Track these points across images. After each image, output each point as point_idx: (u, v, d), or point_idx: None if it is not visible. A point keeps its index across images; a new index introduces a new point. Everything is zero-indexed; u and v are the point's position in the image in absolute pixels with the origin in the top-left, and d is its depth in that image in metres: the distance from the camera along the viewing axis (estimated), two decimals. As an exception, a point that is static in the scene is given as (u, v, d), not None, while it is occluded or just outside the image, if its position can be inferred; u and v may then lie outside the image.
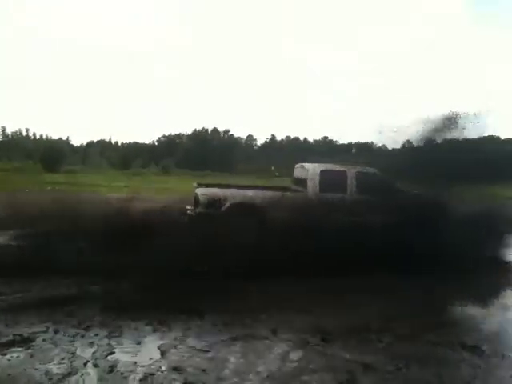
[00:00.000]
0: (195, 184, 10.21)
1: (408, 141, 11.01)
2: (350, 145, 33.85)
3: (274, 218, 8.24)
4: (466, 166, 8.73)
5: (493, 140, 11.40)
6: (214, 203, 9.13)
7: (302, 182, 10.29)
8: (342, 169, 10.02)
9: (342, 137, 72.90)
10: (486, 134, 10.33)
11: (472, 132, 9.71)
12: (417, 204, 8.67)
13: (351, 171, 9.82)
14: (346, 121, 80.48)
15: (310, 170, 10.14)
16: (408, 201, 8.93)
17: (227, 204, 9.13)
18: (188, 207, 9.58)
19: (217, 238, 7.21)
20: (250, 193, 9.70)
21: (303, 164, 10.74)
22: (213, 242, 7.10)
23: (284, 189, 10.51)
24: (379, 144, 13.76)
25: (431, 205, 8.59)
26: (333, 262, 6.90)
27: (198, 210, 9.26)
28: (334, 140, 56.32)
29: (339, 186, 9.49)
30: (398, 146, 11.39)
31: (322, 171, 9.91)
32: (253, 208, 8.96)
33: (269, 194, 9.63)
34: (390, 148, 12.25)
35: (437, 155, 9.61)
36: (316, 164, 10.31)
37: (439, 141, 10.03)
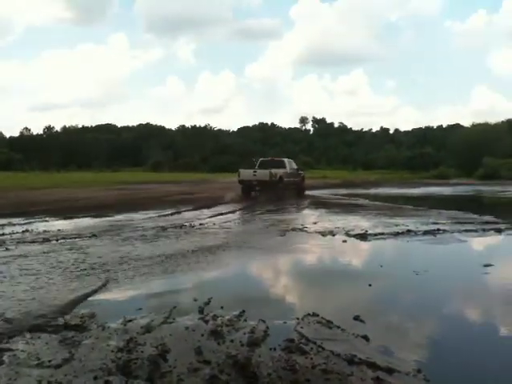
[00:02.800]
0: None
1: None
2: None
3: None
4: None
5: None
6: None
7: (279, 166, 22.66)
8: (290, 159, 24.70)
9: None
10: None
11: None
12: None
13: (287, 159, 23.94)
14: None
15: (286, 160, 23.64)
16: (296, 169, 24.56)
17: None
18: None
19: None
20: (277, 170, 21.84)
21: (282, 158, 24.64)
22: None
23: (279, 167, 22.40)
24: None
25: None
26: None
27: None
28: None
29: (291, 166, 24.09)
30: None
31: (288, 160, 23.93)
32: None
33: (281, 170, 22.16)
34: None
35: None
36: (286, 158, 24.46)
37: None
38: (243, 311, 4.66)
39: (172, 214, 14.32)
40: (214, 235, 9.95)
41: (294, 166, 24.43)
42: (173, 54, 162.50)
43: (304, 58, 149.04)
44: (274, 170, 21.16)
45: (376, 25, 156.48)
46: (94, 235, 9.59)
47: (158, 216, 13.71)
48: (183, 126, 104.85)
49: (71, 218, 13.27)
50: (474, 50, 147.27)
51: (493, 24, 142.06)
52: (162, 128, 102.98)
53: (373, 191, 29.95)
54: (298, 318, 4.51)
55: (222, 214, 14.67)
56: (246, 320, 4.44)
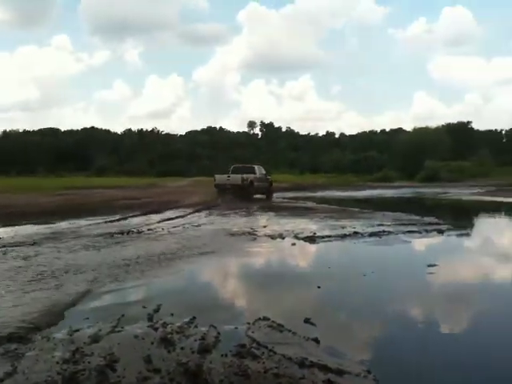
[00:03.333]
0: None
1: None
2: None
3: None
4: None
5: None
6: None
7: (250, 171, 25.09)
8: (257, 166, 26.60)
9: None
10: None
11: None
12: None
13: (257, 166, 26.09)
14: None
15: (256, 167, 25.90)
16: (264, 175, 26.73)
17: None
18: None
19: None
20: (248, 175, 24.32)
21: (252, 165, 27.06)
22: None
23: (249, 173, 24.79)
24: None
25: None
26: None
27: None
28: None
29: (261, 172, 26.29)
30: None
31: (257, 167, 26.15)
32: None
33: (252, 175, 24.52)
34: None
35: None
36: (256, 165, 26.75)
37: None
38: (193, 318, 4.60)
39: (119, 220, 13.98)
40: (162, 241, 9.79)
41: (263, 171, 26.72)
42: (119, 57, 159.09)
43: (251, 63, 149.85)
44: (245, 175, 23.61)
45: (322, 31, 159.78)
46: (36, 243, 9.22)
47: (105, 222, 13.35)
48: (129, 129, 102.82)
49: (12, 225, 12.70)
50: (414, 56, 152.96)
51: (432, 32, 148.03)
52: (107, 132, 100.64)
53: (319, 194, 30.51)
54: (249, 323, 4.49)
55: (171, 218, 14.47)
56: (196, 326, 4.38)
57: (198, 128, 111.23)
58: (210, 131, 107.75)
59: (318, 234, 10.59)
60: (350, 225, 12.08)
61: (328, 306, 5.56)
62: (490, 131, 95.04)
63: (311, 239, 9.95)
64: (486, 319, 5.06)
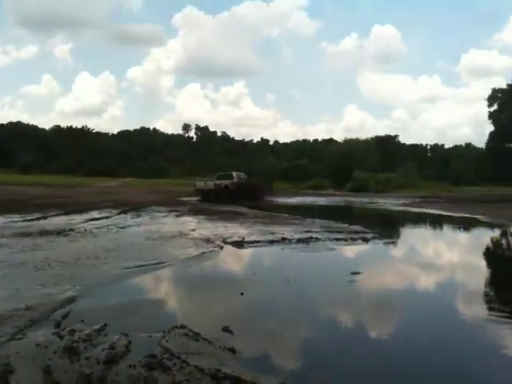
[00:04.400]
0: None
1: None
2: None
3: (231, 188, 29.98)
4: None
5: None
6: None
7: (229, 177, 30.87)
8: (239, 173, 32.73)
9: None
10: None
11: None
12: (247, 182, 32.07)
13: (236, 173, 31.93)
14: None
15: (234, 174, 31.50)
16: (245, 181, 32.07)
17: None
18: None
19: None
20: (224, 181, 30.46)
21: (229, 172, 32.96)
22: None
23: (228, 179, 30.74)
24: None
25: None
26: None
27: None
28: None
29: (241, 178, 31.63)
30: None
31: (236, 173, 32.07)
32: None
33: (228, 180, 30.24)
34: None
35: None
36: (235, 172, 32.55)
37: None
38: (105, 325, 4.30)
39: (38, 219, 13.21)
40: (83, 242, 9.29)
41: (243, 177, 32.23)
42: (48, 52, 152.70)
43: (187, 66, 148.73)
44: (221, 181, 30.10)
45: (257, 40, 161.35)
46: None
47: (23, 221, 12.56)
48: (58, 126, 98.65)
49: None
50: (346, 70, 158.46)
51: (363, 48, 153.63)
52: (34, 128, 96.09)
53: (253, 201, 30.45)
54: (164, 331, 4.24)
55: (95, 219, 13.86)
56: (106, 334, 4.09)
57: (131, 128, 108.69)
58: (143, 132, 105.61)
59: (247, 239, 10.48)
60: (279, 231, 12.06)
61: (249, 313, 5.40)
62: (416, 145, 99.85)
63: (239, 244, 9.82)
64: (403, 326, 5.11)
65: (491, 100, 43.04)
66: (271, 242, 10.23)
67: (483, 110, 42.94)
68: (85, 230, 11.13)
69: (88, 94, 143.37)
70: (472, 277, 8.00)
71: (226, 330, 4.46)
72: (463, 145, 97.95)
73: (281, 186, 57.46)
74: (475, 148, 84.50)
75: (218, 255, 8.72)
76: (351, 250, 10.20)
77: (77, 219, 13.66)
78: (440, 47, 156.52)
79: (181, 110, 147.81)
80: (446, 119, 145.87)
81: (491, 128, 42.84)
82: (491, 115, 42.50)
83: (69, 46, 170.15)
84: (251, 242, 10.08)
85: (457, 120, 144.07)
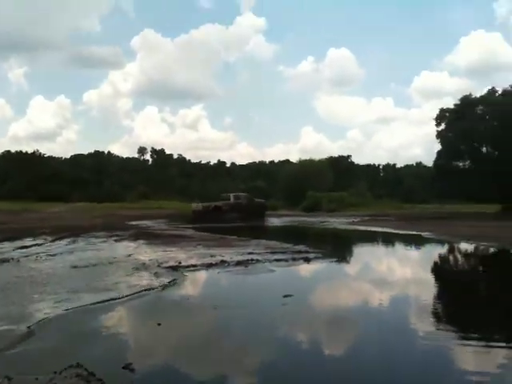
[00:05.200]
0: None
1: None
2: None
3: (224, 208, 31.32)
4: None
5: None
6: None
7: (226, 198, 33.26)
8: (237, 194, 35.45)
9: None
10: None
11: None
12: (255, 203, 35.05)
13: (234, 194, 34.63)
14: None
15: (232, 195, 33.92)
16: (254, 202, 34.80)
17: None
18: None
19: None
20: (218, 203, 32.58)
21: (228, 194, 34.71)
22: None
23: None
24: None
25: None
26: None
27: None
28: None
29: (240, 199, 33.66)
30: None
31: (234, 195, 34.14)
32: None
33: (221, 202, 32.51)
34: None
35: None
36: (232, 193, 34.73)
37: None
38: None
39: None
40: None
41: (241, 199, 33.87)
42: (2, 76, 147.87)
43: (145, 89, 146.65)
44: (211, 203, 32.65)
45: (215, 64, 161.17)
46: None
47: None
48: (8, 151, 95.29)
49: None
50: (302, 93, 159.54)
51: (319, 71, 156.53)
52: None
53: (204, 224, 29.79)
54: (55, 372, 3.78)
55: (25, 247, 13.09)
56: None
57: (85, 152, 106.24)
58: (97, 155, 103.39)
59: (184, 263, 10.06)
60: (221, 253, 11.69)
61: (162, 346, 4.96)
62: (369, 165, 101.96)
63: (174, 269, 9.37)
64: (324, 350, 4.82)
65: (439, 119, 44.10)
66: (209, 266, 9.86)
67: (433, 130, 43.94)
68: (12, 259, 10.43)
69: (42, 118, 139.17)
70: (401, 293, 7.92)
71: (127, 367, 4.03)
72: (414, 164, 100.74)
73: (235, 207, 57.20)
74: (425, 167, 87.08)
75: (145, 283, 8.16)
76: (290, 272, 9.91)
77: (5, 247, 12.85)
78: (393, 70, 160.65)
79: (138, 133, 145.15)
80: (398, 139, 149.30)
81: (439, 147, 43.77)
82: (439, 134, 43.49)
83: (24, 70, 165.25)
84: (187, 266, 9.66)
85: (408, 140, 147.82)
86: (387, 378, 4.12)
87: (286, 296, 6.99)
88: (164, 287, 7.72)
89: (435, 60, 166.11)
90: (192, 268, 9.58)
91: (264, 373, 4.24)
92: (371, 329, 5.65)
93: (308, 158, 76.47)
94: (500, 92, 41.29)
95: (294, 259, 11.11)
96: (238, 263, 10.22)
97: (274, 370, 4.32)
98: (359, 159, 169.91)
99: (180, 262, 10.09)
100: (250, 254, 11.77)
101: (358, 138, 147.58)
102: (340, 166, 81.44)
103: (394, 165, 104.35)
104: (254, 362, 4.53)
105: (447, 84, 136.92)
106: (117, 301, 6.65)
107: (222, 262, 10.36)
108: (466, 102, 41.70)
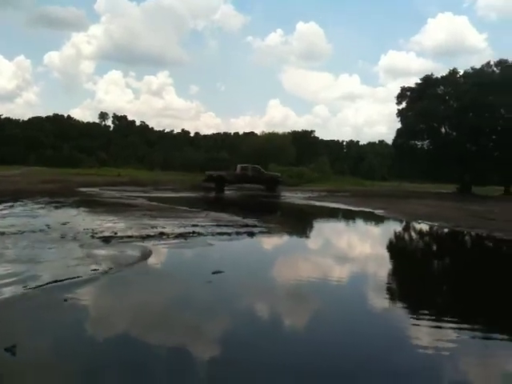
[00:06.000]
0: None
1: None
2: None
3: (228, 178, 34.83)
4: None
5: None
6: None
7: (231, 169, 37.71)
8: (245, 165, 36.87)
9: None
10: None
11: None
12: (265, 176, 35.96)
13: (248, 166, 36.95)
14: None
15: (239, 166, 36.43)
16: (264, 175, 36.13)
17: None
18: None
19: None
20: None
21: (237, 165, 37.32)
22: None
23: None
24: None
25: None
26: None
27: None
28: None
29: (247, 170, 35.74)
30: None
31: (241, 166, 36.50)
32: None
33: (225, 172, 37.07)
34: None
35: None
36: (239, 165, 37.09)
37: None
38: None
39: None
40: None
41: (249, 170, 35.67)
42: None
43: (109, 53, 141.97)
44: (216, 172, 35.79)
45: (182, 31, 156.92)
46: None
47: None
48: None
49: None
50: (270, 66, 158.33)
51: (288, 44, 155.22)
52: None
53: (159, 193, 29.03)
54: None
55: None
56: None
57: (44, 115, 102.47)
58: (56, 119, 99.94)
59: (120, 233, 9.63)
60: (163, 224, 11.29)
61: (54, 328, 4.57)
62: (333, 141, 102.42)
63: (106, 240, 8.90)
64: (237, 332, 4.54)
65: (400, 98, 44.26)
66: (145, 238, 9.43)
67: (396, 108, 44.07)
68: None
69: (1, 78, 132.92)
70: (331, 269, 7.82)
71: (9, 349, 3.64)
72: (377, 142, 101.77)
73: (196, 177, 56.54)
74: (388, 145, 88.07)
75: (71, 253, 7.67)
76: (229, 246, 9.62)
77: None
78: (361, 47, 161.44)
79: (100, 97, 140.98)
80: (363, 117, 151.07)
81: (399, 126, 44.03)
82: (399, 113, 43.69)
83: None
84: (122, 237, 9.21)
85: (373, 118, 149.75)
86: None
87: (215, 272, 6.69)
88: (87, 261, 7.26)
89: (402, 40, 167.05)
90: (126, 239, 9.14)
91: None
92: (292, 307, 5.43)
93: (271, 132, 76.15)
94: (461, 73, 41.67)
95: (237, 233, 10.84)
96: (178, 236, 9.87)
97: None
98: (324, 135, 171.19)
99: (116, 233, 9.65)
100: (193, 226, 11.43)
101: (324, 114, 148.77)
102: (303, 141, 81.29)
103: (358, 142, 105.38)
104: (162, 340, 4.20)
105: (414, 64, 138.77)
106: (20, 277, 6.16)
107: (161, 234, 9.96)
108: (428, 82, 41.97)
